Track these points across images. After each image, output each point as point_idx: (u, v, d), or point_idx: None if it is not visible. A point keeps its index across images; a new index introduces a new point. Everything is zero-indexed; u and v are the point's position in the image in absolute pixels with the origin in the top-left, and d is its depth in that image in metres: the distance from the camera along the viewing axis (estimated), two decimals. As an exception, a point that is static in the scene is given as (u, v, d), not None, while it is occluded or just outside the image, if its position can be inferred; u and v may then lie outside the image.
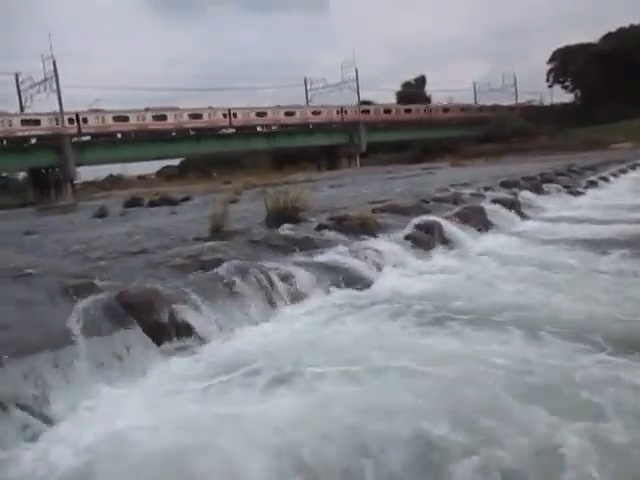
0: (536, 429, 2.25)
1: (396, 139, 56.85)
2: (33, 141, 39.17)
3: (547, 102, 65.88)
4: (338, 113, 51.63)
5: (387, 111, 55.89)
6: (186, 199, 17.85)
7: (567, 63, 60.53)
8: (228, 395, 2.79)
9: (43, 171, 41.60)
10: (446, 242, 6.30)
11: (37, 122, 38.21)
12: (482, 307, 3.94)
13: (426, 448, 2.18)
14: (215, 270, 4.35)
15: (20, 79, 41.96)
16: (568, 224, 7.67)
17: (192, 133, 45.25)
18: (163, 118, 43.37)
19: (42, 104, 40.27)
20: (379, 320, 3.84)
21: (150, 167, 73.57)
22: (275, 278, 4.39)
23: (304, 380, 2.90)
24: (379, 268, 5.18)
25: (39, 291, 3.93)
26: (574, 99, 64.66)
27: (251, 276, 4.27)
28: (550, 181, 12.20)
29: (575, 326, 3.37)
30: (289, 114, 49.39)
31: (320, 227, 6.37)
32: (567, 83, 64.41)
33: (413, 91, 65.96)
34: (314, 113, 50.96)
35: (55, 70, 39.79)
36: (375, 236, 6.05)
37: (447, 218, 6.91)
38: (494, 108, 59.56)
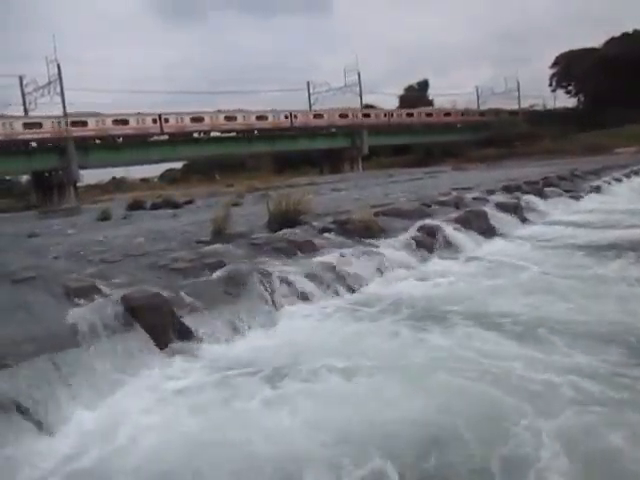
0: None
1: (398, 143, 56.84)
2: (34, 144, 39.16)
3: (550, 106, 65.91)
4: (340, 117, 51.67)
5: (387, 115, 55.87)
6: (189, 202, 17.88)
7: (570, 67, 60.54)
8: (228, 396, 2.80)
9: (46, 174, 41.65)
10: (448, 246, 6.29)
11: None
12: (482, 311, 3.94)
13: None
14: (217, 273, 4.36)
15: (24, 82, 42.10)
16: (570, 228, 7.65)
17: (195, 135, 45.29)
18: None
19: (46, 107, 40.42)
20: (379, 322, 3.84)
21: (153, 170, 73.59)
22: (277, 281, 4.40)
23: (302, 380, 2.92)
24: (381, 271, 5.19)
25: (42, 294, 3.95)
26: (577, 103, 64.68)
27: (253, 279, 4.28)
28: (553, 185, 12.17)
29: (580, 331, 3.37)
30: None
31: (322, 230, 6.38)
32: (570, 88, 64.42)
33: (416, 95, 66.02)
34: (315, 116, 50.98)
35: (59, 73, 39.93)
36: (377, 239, 6.05)
37: (449, 222, 6.91)
38: (496, 112, 59.53)
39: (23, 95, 42.16)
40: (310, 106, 54.11)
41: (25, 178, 50.95)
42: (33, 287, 4.18)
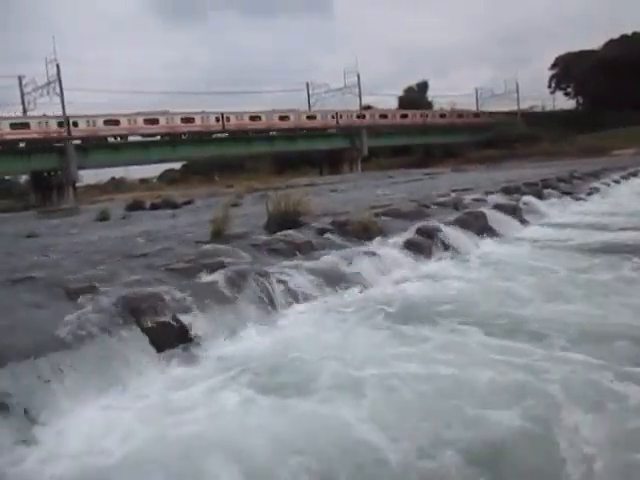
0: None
1: (398, 144, 56.90)
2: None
3: (549, 108, 66.05)
4: (333, 118, 51.58)
5: (383, 116, 55.81)
6: (188, 202, 17.89)
7: (569, 69, 60.73)
8: (228, 396, 2.80)
9: (45, 174, 41.66)
10: (447, 247, 6.29)
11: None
12: (482, 311, 3.94)
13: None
14: (216, 273, 4.35)
15: (24, 82, 42.07)
16: (569, 230, 7.66)
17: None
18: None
19: (46, 107, 40.40)
20: (379, 323, 3.84)
21: (152, 170, 73.72)
22: (275, 282, 4.40)
23: (301, 380, 2.92)
24: (379, 272, 5.18)
25: (40, 294, 3.94)
26: (576, 105, 64.81)
27: (251, 280, 4.27)
28: (552, 187, 12.18)
29: (582, 333, 3.38)
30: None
31: (321, 231, 6.37)
32: (569, 89, 64.59)
33: (415, 96, 66.06)
34: (309, 117, 50.90)
35: (58, 73, 39.94)
36: (376, 240, 6.05)
37: (448, 223, 6.91)
38: (491, 114, 59.60)
39: (22, 95, 42.16)
40: (309, 107, 54.21)
41: (24, 178, 50.98)
42: (31, 287, 4.17)
